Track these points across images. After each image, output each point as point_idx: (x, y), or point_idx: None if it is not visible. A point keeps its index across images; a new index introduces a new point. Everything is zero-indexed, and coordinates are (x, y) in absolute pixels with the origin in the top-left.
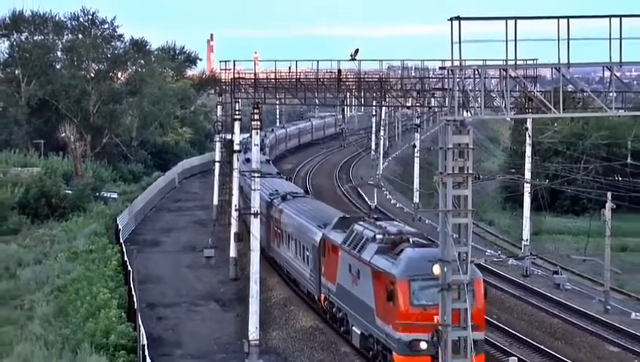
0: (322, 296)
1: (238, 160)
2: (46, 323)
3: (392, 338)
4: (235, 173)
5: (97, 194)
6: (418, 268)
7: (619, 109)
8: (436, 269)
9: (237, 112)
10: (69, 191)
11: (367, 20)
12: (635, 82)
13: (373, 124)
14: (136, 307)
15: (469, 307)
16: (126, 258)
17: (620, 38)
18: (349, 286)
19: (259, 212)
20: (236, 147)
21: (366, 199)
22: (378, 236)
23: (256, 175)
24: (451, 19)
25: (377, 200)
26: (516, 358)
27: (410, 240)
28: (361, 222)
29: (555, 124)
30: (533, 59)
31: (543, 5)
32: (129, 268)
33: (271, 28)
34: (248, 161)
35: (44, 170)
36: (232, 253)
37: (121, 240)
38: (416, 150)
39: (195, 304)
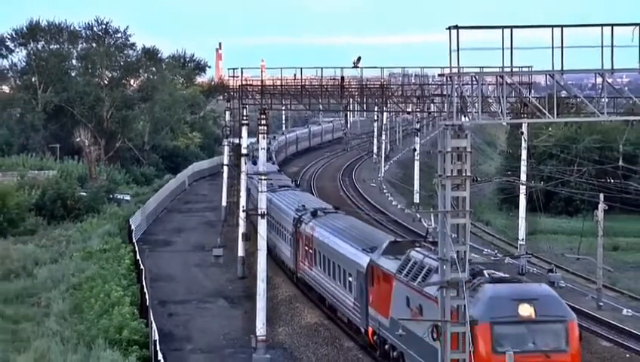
0: (370, 329)
1: (245, 163)
2: (62, 319)
3: None
4: (243, 176)
5: (111, 196)
6: (501, 308)
7: (610, 114)
8: (523, 310)
9: (244, 117)
10: (84, 194)
11: (369, 29)
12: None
13: (375, 129)
14: (148, 304)
15: (466, 304)
16: (138, 257)
17: (612, 46)
18: (408, 322)
19: (265, 213)
20: (244, 151)
21: (423, 222)
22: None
23: (263, 177)
24: (449, 28)
25: (378, 201)
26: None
27: (485, 273)
28: (419, 249)
29: (550, 129)
30: (529, 67)
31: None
32: (141, 266)
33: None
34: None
35: (60, 173)
36: (240, 253)
37: (134, 240)
38: (416, 153)
39: (205, 301)
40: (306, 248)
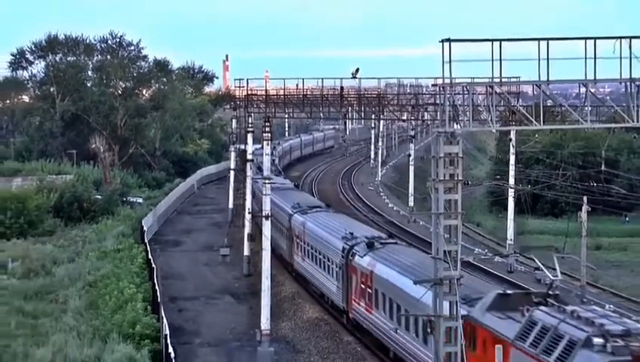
0: None
1: (250, 168)
2: (78, 315)
3: None
4: (248, 180)
5: (124, 199)
6: None
7: (593, 122)
8: None
9: (250, 125)
10: (99, 197)
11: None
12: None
13: (373, 136)
14: (159, 300)
15: (458, 301)
16: (150, 256)
17: (595, 58)
18: None
19: (270, 215)
20: (249, 156)
21: (542, 265)
22: (596, 340)
23: (267, 181)
24: (442, 41)
25: (376, 204)
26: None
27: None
28: (545, 309)
29: (536, 135)
30: (517, 77)
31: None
32: (153, 265)
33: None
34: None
35: (77, 177)
36: (246, 252)
37: (146, 241)
38: (411, 159)
39: (212, 297)
40: (363, 285)
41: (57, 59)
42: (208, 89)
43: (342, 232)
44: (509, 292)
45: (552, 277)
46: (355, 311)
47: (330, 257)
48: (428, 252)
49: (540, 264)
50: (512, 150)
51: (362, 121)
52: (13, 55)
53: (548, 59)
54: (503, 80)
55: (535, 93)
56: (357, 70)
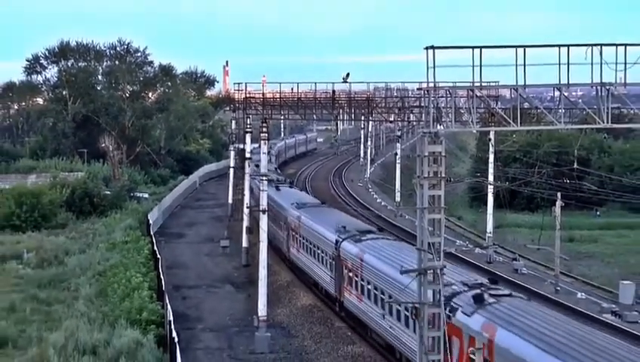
0: None
1: (249, 165)
2: (89, 302)
3: None
4: (247, 177)
5: (132, 194)
6: None
7: (567, 123)
8: None
9: (248, 126)
10: (108, 192)
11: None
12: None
13: (362, 136)
14: (164, 289)
15: (441, 290)
16: (155, 248)
17: (568, 64)
18: None
19: (266, 209)
20: (247, 155)
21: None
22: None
23: (264, 178)
24: (427, 48)
25: (365, 199)
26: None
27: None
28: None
29: (514, 136)
30: (496, 82)
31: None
32: (158, 256)
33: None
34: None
35: (87, 174)
36: (244, 244)
37: (152, 233)
38: (397, 157)
39: (213, 286)
40: (350, 275)
41: (69, 64)
42: (210, 92)
43: (334, 225)
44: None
45: None
46: (346, 299)
47: (323, 249)
48: (413, 243)
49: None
50: (491, 149)
51: (352, 122)
52: (28, 61)
53: (525, 65)
54: (483, 84)
55: (513, 96)
56: (347, 75)
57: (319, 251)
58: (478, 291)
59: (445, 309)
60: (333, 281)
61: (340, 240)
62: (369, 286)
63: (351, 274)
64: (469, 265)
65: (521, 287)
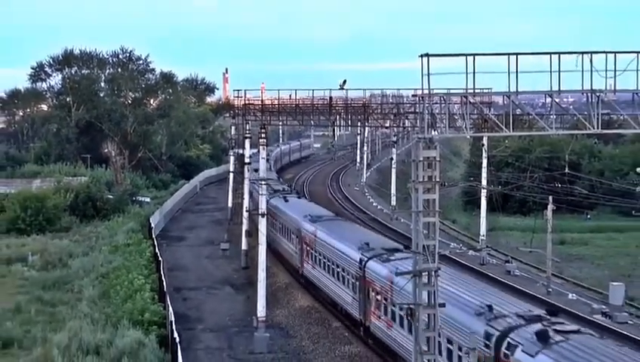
0: None
1: (248, 170)
2: (92, 303)
3: None
4: (246, 181)
5: (134, 198)
6: None
7: (558, 129)
8: None
9: (247, 132)
10: (111, 196)
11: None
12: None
13: (358, 141)
14: (165, 290)
15: (436, 291)
16: (157, 250)
17: (559, 71)
18: None
19: (265, 213)
20: (247, 160)
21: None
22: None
23: (263, 183)
24: (421, 56)
25: (361, 203)
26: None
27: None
28: None
29: (506, 141)
30: (489, 88)
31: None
32: (159, 258)
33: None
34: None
35: (91, 179)
36: (244, 246)
37: (153, 236)
38: (393, 162)
39: (213, 288)
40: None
41: (73, 72)
42: (210, 99)
43: (358, 243)
44: None
45: None
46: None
47: (344, 268)
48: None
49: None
50: (484, 154)
51: (349, 128)
52: (33, 68)
53: (517, 72)
54: (476, 91)
55: (505, 102)
56: (344, 82)
57: (339, 269)
58: (540, 326)
59: (501, 346)
60: (356, 303)
61: (365, 259)
62: (402, 313)
63: (379, 298)
64: (463, 267)
65: (513, 289)
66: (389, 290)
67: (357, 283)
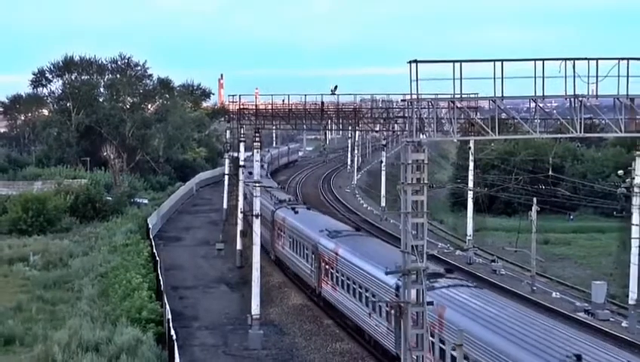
0: None
1: (242, 173)
2: (91, 302)
3: None
4: (241, 183)
5: (132, 200)
6: None
7: (542, 133)
8: None
9: (242, 135)
10: (110, 198)
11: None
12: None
13: (349, 145)
14: (162, 289)
15: (424, 289)
16: (154, 250)
17: (543, 77)
18: None
19: (259, 214)
20: (241, 163)
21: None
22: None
23: (257, 185)
24: (410, 62)
25: (352, 204)
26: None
27: None
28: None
29: (492, 144)
30: (475, 93)
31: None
32: (157, 258)
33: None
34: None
35: (90, 181)
36: (239, 246)
37: (151, 237)
38: (383, 165)
39: (209, 286)
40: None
41: (73, 77)
42: (205, 104)
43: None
44: None
45: None
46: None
47: (374, 291)
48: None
49: None
50: (471, 157)
51: (340, 131)
52: (34, 74)
53: (502, 77)
54: (463, 96)
55: (491, 107)
56: (335, 87)
57: (368, 294)
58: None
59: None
60: (391, 335)
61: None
62: (453, 353)
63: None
64: (450, 266)
65: (499, 287)
66: (439, 325)
67: (392, 311)
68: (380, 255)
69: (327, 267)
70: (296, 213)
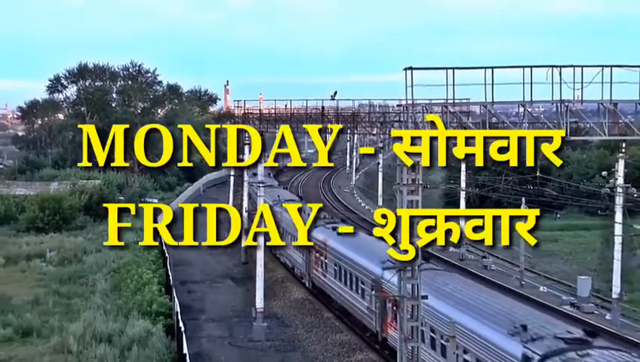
0: None
1: (247, 174)
2: (105, 296)
3: None
4: (245, 184)
5: (143, 199)
6: None
7: None
8: None
9: (246, 138)
10: (122, 198)
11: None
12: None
13: (348, 147)
14: (171, 283)
15: (419, 283)
16: (164, 247)
17: (531, 83)
18: None
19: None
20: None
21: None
22: None
23: (261, 185)
24: (405, 69)
25: (351, 203)
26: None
27: None
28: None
29: None
30: (467, 99)
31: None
32: (166, 254)
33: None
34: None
35: (103, 181)
36: (243, 243)
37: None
38: (379, 166)
39: (216, 281)
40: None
41: (87, 84)
42: (212, 108)
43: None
44: None
45: None
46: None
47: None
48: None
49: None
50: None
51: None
52: (50, 81)
53: (493, 84)
54: (456, 101)
55: (482, 112)
56: (335, 93)
57: (469, 357)
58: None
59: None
60: None
61: (534, 357)
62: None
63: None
64: (444, 262)
65: (490, 282)
66: None
67: None
68: (485, 304)
69: (395, 308)
70: (338, 234)
